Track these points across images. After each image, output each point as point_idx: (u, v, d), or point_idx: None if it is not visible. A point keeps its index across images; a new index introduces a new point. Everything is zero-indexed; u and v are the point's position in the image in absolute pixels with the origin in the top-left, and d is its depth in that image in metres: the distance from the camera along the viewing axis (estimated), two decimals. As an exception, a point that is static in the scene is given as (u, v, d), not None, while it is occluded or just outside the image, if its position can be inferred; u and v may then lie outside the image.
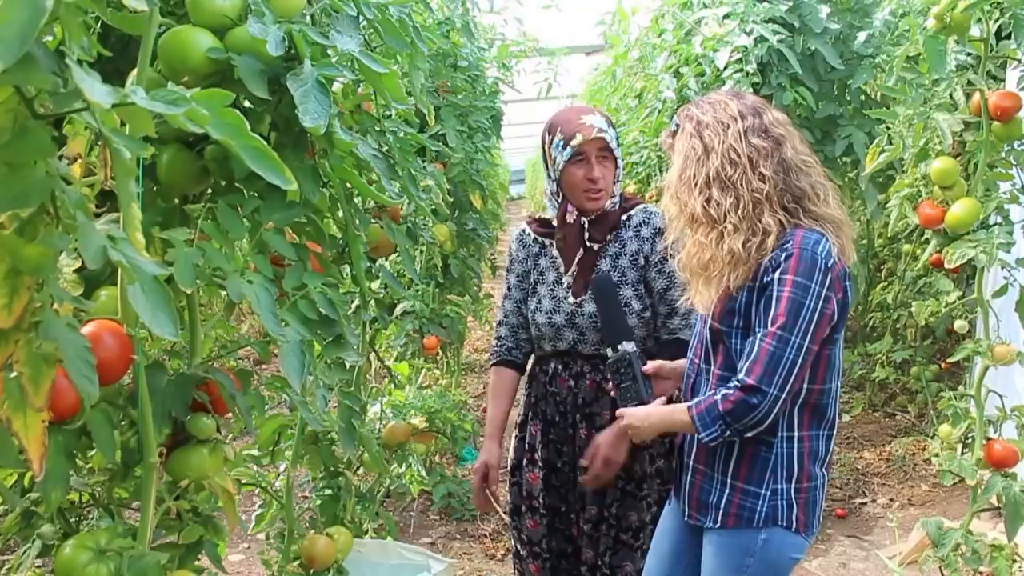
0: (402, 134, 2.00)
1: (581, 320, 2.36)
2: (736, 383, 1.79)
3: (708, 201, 1.85)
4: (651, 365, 2.11)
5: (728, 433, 1.82)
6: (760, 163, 1.84)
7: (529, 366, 2.60)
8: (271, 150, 0.86)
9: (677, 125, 1.97)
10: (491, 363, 2.62)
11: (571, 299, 2.39)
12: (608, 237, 2.39)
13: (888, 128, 2.69)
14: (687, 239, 1.93)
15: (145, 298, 0.85)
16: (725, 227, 1.83)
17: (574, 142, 2.26)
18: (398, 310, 3.53)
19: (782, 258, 1.80)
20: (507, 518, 2.60)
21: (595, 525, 2.42)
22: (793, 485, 1.91)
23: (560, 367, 2.44)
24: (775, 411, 1.78)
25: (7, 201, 0.78)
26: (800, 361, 1.78)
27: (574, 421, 2.41)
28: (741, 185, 1.83)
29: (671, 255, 2.31)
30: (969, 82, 2.45)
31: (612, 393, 2.15)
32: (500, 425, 2.54)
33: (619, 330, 2.11)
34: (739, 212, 1.82)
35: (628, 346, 2.08)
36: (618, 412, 2.08)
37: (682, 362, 2.12)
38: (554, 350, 2.44)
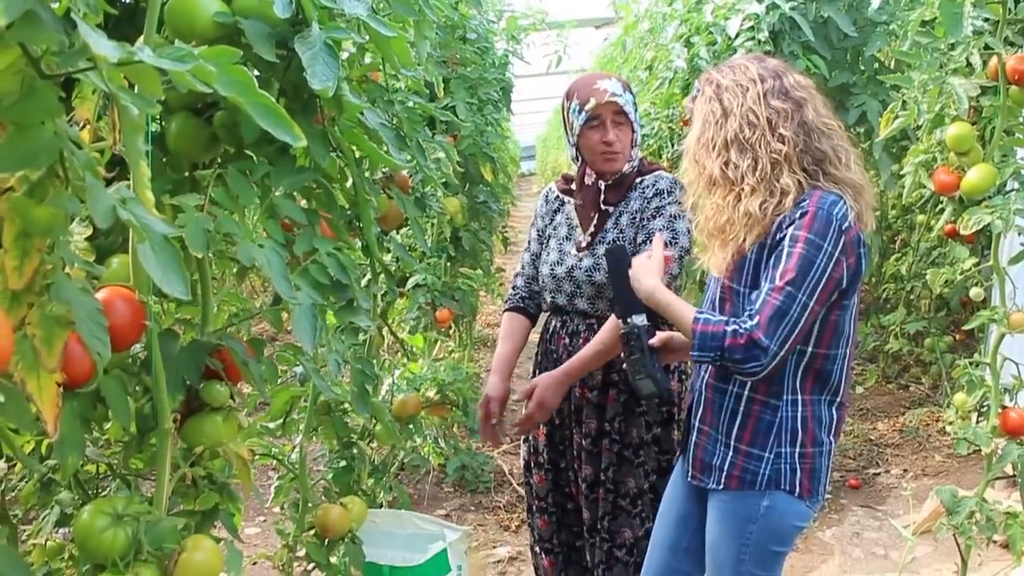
0: (410, 104, 1.99)
1: (579, 274, 2.44)
2: (746, 328, 1.76)
3: (726, 164, 1.85)
4: (659, 337, 2.11)
5: (717, 363, 1.81)
6: (780, 125, 1.83)
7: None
8: (279, 106, 0.86)
9: (698, 90, 1.97)
10: (504, 309, 2.70)
11: (574, 252, 2.46)
12: (621, 200, 2.45)
13: (903, 94, 2.66)
14: (705, 203, 1.92)
15: (155, 258, 0.84)
16: (743, 189, 1.83)
17: (588, 106, 2.34)
18: (410, 283, 3.52)
19: (797, 215, 1.79)
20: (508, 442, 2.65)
21: (591, 486, 2.48)
22: (797, 449, 1.90)
23: (558, 325, 2.52)
24: (772, 365, 1.77)
25: (15, 161, 0.78)
26: (803, 320, 1.77)
27: None
28: (759, 147, 1.82)
29: (662, 214, 2.34)
30: (986, 46, 2.42)
31: (624, 365, 2.16)
32: (506, 362, 2.58)
33: (631, 303, 2.12)
34: (757, 174, 1.82)
35: (638, 319, 2.08)
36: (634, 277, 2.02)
37: None
38: (555, 304, 2.51)
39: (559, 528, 2.63)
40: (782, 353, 1.77)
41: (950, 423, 2.73)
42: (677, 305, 1.93)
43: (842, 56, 3.85)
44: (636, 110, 2.44)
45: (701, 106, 1.93)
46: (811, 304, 1.77)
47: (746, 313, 1.80)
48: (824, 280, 1.77)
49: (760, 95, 1.85)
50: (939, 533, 2.61)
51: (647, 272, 2.00)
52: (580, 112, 2.35)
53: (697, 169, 1.93)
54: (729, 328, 1.78)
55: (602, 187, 2.44)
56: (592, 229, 2.46)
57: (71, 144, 0.84)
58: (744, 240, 1.84)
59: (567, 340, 2.48)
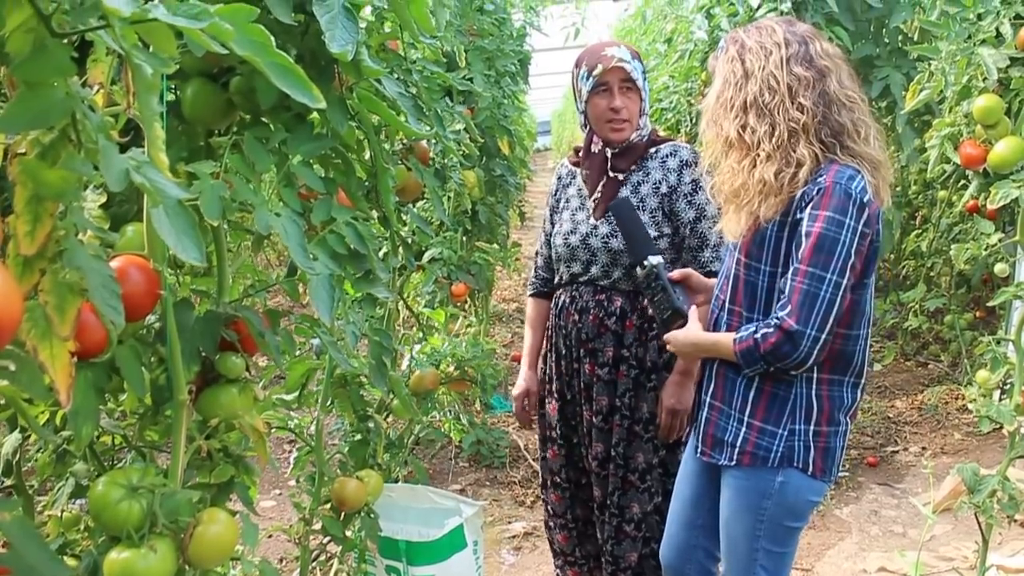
0: (429, 73, 1.96)
1: (594, 241, 2.42)
2: (775, 323, 1.76)
3: (743, 127, 1.82)
4: (678, 272, 2.10)
5: (772, 370, 1.81)
6: (800, 93, 1.79)
7: None
8: (297, 67, 0.83)
9: (722, 48, 1.93)
10: (528, 294, 2.74)
11: (590, 221, 2.44)
12: (632, 167, 2.43)
13: (929, 65, 2.60)
14: (722, 165, 1.89)
15: (170, 222, 0.82)
16: (758, 155, 1.80)
17: (595, 72, 2.33)
18: (426, 256, 3.50)
19: (814, 192, 1.76)
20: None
21: (602, 463, 2.48)
22: (812, 427, 1.88)
23: (568, 300, 2.50)
24: (816, 351, 1.75)
25: (26, 120, 0.75)
26: (837, 299, 1.74)
27: (578, 356, 2.48)
28: (778, 113, 1.79)
29: (701, 187, 2.31)
30: (1017, 15, 2.36)
31: (650, 310, 2.14)
32: (537, 352, 2.67)
33: (642, 247, 2.11)
34: (773, 141, 1.79)
35: (653, 259, 2.06)
36: (665, 337, 2.04)
37: (715, 281, 2.09)
38: (569, 275, 2.49)
39: (572, 503, 2.62)
40: (824, 336, 1.75)
41: (971, 400, 2.69)
42: (717, 339, 1.92)
43: (866, 28, 3.79)
44: (645, 79, 2.43)
45: (723, 65, 1.90)
46: (842, 282, 1.74)
47: (777, 305, 1.78)
48: (852, 256, 1.74)
49: (783, 60, 1.81)
50: (960, 511, 2.58)
51: (680, 344, 2.00)
52: (588, 78, 2.35)
53: (715, 130, 1.90)
54: (759, 333, 1.78)
55: (608, 155, 2.43)
56: (598, 195, 2.45)
57: (83, 106, 0.81)
58: (759, 207, 1.81)
59: (576, 317, 2.46)
